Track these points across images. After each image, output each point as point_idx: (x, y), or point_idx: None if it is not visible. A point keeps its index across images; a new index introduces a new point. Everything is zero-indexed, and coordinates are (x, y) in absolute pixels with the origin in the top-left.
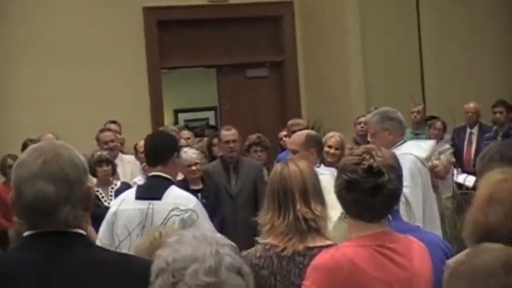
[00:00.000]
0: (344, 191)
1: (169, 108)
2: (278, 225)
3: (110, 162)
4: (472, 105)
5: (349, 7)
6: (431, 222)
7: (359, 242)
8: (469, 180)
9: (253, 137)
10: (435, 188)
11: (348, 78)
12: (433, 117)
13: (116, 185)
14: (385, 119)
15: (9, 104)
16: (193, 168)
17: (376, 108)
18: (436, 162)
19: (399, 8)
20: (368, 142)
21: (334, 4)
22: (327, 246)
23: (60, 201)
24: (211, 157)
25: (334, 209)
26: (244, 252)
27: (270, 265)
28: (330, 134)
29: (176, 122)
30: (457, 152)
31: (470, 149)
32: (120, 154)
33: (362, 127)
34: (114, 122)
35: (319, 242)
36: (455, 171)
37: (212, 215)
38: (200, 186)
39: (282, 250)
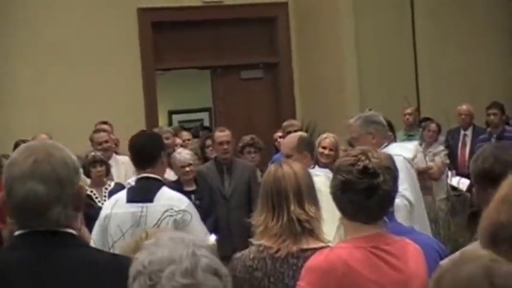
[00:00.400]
0: (339, 191)
1: (164, 110)
2: (272, 227)
3: (104, 162)
4: (464, 107)
5: (344, 9)
6: (421, 222)
7: (354, 244)
8: (463, 183)
9: (246, 138)
10: (429, 189)
11: (343, 80)
12: (427, 119)
13: (109, 185)
14: (368, 123)
15: (8, 104)
16: (187, 169)
17: (370, 110)
18: (430, 163)
19: (394, 10)
20: None
21: (329, 5)
22: (321, 248)
23: (51, 201)
24: (205, 158)
25: (327, 211)
26: (238, 254)
27: (264, 267)
28: (324, 135)
29: (170, 123)
30: (452, 154)
31: (464, 151)
32: (114, 155)
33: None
34: (105, 123)
35: (313, 244)
36: (449, 174)
37: (206, 217)
38: (194, 188)
39: (276, 252)
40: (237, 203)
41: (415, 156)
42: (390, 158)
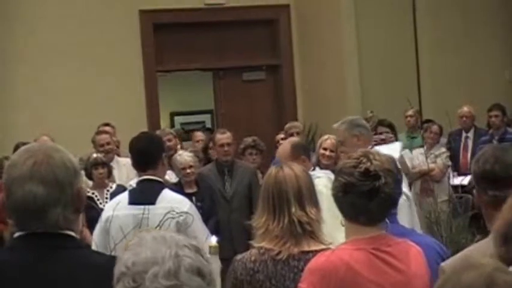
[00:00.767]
0: (341, 193)
1: (166, 111)
2: (273, 229)
3: (106, 165)
4: (466, 109)
5: (345, 11)
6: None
7: (355, 245)
8: (466, 179)
9: (248, 140)
10: (431, 191)
11: (344, 82)
12: (429, 121)
13: (111, 187)
14: (353, 126)
15: (5, 107)
16: (188, 171)
17: (372, 112)
18: (432, 165)
19: (395, 12)
20: None
21: (330, 8)
22: (322, 250)
23: (51, 203)
24: (208, 160)
25: (329, 212)
26: (239, 256)
27: (265, 269)
28: (325, 136)
29: (172, 125)
30: (453, 156)
31: (466, 152)
32: (116, 157)
33: None
34: (107, 125)
35: (314, 246)
36: (451, 175)
37: (207, 219)
38: (195, 190)
39: (277, 254)
40: (238, 205)
41: (401, 155)
42: (392, 160)
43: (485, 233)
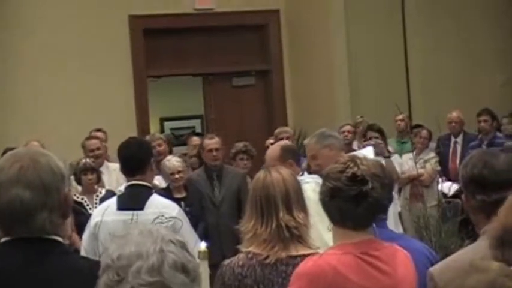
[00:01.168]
0: (328, 198)
1: (156, 117)
2: (261, 233)
3: (95, 170)
4: (455, 114)
5: (335, 16)
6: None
7: (343, 250)
8: (454, 188)
9: (239, 145)
10: (420, 196)
11: (334, 87)
12: (418, 126)
13: (100, 192)
14: (323, 138)
15: None
16: (177, 176)
17: (361, 117)
18: (421, 170)
19: (385, 18)
20: (352, 150)
21: (320, 13)
22: (310, 255)
23: (37, 208)
24: (202, 165)
25: (317, 217)
26: (227, 261)
27: (253, 274)
28: None
29: (162, 130)
30: (442, 161)
31: (455, 157)
32: (105, 162)
33: (346, 136)
34: (99, 130)
35: (302, 251)
36: (440, 180)
37: (196, 224)
38: (184, 195)
39: (265, 258)
40: (227, 210)
41: (390, 160)
42: (379, 165)
43: (474, 238)
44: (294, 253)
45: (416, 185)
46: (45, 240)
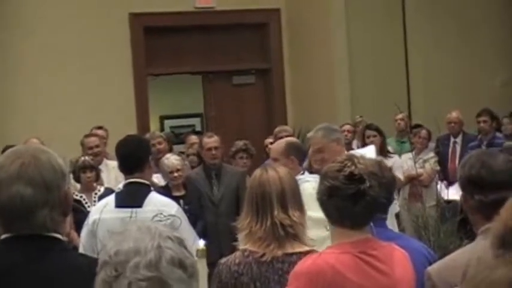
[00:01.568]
0: (325, 197)
1: (156, 115)
2: (256, 231)
3: (94, 168)
4: (454, 114)
5: (335, 15)
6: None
7: (341, 249)
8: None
9: (239, 143)
10: (419, 196)
11: (334, 86)
12: (418, 126)
13: (99, 190)
14: (330, 132)
15: None
16: (175, 174)
17: (361, 117)
18: (420, 170)
19: (386, 17)
20: (352, 149)
21: (320, 12)
22: (306, 252)
23: (38, 205)
24: (200, 163)
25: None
26: (223, 259)
27: (250, 272)
28: None
29: (162, 129)
30: (442, 161)
31: (454, 158)
32: (105, 160)
33: (346, 135)
34: (100, 128)
35: (298, 248)
36: (442, 187)
37: (194, 222)
38: (182, 193)
39: (261, 256)
40: (225, 209)
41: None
42: (377, 164)
43: (472, 238)
44: (289, 251)
45: (415, 184)
46: (45, 237)
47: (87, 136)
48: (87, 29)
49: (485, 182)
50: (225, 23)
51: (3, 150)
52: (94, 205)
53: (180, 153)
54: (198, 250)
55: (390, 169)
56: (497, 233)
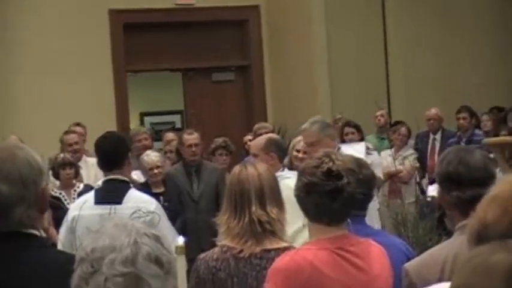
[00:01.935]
0: (303, 194)
1: (136, 112)
2: (233, 227)
3: (73, 165)
4: (433, 111)
5: (315, 12)
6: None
7: (319, 245)
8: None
9: (219, 140)
10: (398, 193)
11: (314, 83)
12: (398, 123)
13: (78, 187)
14: (325, 127)
15: None
16: (155, 171)
17: (341, 113)
18: (400, 167)
19: (366, 14)
20: None
21: (300, 9)
22: (284, 249)
23: (14, 201)
24: (179, 160)
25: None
26: (202, 255)
27: (227, 267)
28: (298, 138)
29: (142, 126)
30: (421, 158)
31: (433, 154)
32: (84, 156)
33: None
34: (78, 125)
35: (276, 244)
36: (423, 182)
37: (174, 219)
38: (162, 190)
39: (239, 252)
40: (205, 206)
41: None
42: (355, 160)
43: (451, 234)
44: (268, 247)
45: (395, 181)
46: (23, 234)
47: (66, 133)
48: (66, 26)
49: (462, 179)
50: (204, 20)
51: None
52: (73, 202)
53: (159, 150)
54: (176, 247)
55: (369, 166)
56: (472, 229)
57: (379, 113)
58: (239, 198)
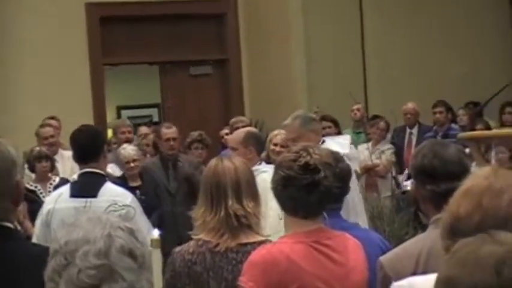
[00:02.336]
0: (280, 187)
1: (112, 105)
2: (209, 221)
3: (49, 158)
4: (410, 105)
5: (292, 6)
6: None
7: (295, 239)
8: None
9: (194, 134)
10: (375, 186)
11: (291, 77)
12: (376, 117)
13: (54, 180)
14: (308, 121)
15: None
16: (132, 164)
17: (317, 107)
18: (376, 161)
19: (343, 8)
20: None
21: (278, 3)
22: (260, 242)
23: None
24: (156, 153)
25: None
26: (178, 248)
27: (203, 261)
28: (276, 131)
29: (119, 119)
30: (398, 152)
31: (410, 149)
32: (60, 150)
33: None
34: (53, 118)
35: (252, 238)
36: (400, 177)
37: (151, 212)
38: (139, 183)
39: (215, 246)
40: (182, 199)
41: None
42: (332, 154)
43: (426, 228)
44: (244, 241)
45: (372, 175)
46: None
47: (42, 126)
48: (42, 18)
49: (437, 172)
50: (182, 13)
51: None
52: (49, 195)
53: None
54: (152, 240)
55: (344, 160)
56: (445, 223)
57: (355, 107)
58: (215, 192)
